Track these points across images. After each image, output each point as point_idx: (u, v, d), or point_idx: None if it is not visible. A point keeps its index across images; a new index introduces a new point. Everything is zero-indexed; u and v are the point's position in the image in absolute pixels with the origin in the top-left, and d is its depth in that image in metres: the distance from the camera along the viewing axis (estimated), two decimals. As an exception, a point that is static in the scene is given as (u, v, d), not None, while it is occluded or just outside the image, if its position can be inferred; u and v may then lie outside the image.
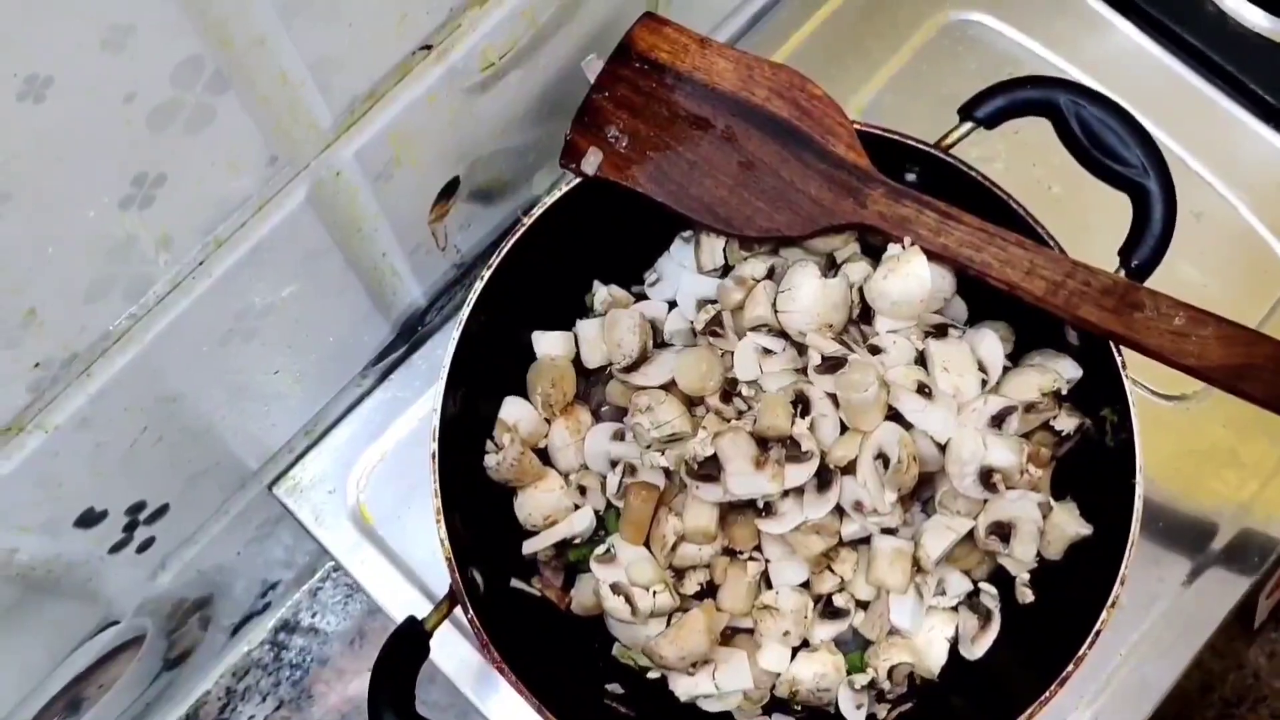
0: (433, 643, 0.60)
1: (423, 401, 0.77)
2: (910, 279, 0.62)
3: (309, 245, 0.60)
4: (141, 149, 0.46)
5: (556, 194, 0.65)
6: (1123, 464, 0.61)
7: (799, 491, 0.62)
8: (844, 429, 0.62)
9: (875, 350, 0.64)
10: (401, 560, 0.75)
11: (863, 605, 0.65)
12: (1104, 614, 0.58)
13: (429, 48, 0.57)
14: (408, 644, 0.59)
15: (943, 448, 0.61)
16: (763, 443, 0.62)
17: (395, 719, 0.56)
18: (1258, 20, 0.83)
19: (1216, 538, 0.74)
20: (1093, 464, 0.64)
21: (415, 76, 0.57)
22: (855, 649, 0.66)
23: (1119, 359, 0.62)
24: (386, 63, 0.55)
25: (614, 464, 0.66)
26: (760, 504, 0.62)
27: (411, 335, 0.77)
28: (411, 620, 0.60)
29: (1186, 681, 0.80)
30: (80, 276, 0.48)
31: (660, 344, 0.69)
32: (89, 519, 0.61)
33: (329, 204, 0.59)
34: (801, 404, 0.62)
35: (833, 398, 0.62)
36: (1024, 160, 0.80)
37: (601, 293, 0.70)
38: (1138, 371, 0.73)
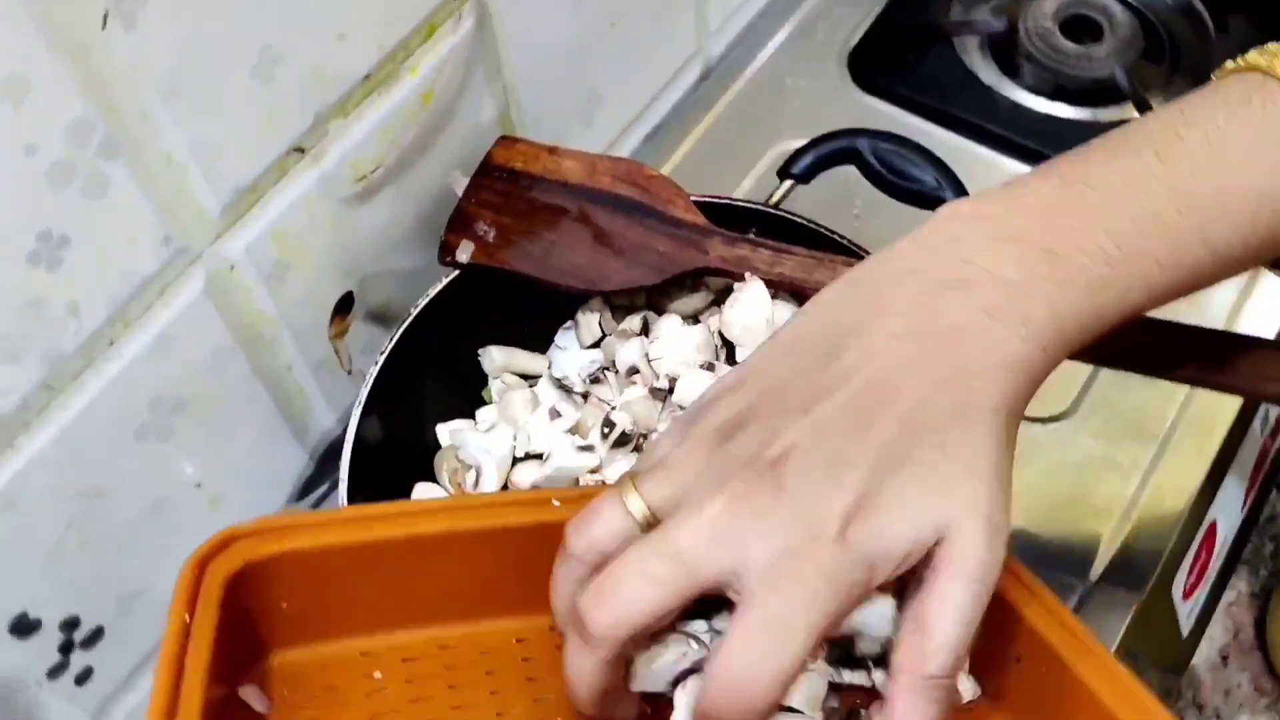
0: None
1: (348, 534, 0.81)
2: (753, 305, 0.69)
3: (213, 341, 0.67)
4: (45, 205, 0.54)
5: (437, 287, 0.73)
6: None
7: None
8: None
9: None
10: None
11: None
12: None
13: (301, 150, 0.66)
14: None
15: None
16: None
17: None
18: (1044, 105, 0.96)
19: (1111, 536, 0.78)
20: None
21: (291, 178, 0.66)
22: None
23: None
24: (263, 159, 0.64)
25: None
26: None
27: (334, 471, 0.82)
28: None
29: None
30: (-6, 333, 0.55)
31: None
32: (23, 626, 0.64)
33: (226, 299, 0.66)
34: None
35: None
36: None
37: (496, 385, 0.77)
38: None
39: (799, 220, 0.74)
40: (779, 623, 0.39)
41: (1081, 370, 0.84)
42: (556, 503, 0.49)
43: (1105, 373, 0.82)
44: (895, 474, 0.40)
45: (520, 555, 0.49)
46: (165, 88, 0.56)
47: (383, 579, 0.50)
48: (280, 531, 0.47)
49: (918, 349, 0.42)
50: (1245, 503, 0.88)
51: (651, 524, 0.42)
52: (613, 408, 0.70)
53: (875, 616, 0.43)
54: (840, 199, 0.82)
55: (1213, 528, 0.84)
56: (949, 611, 0.40)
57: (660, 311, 0.75)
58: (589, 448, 0.68)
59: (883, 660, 0.44)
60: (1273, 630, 0.87)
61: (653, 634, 0.43)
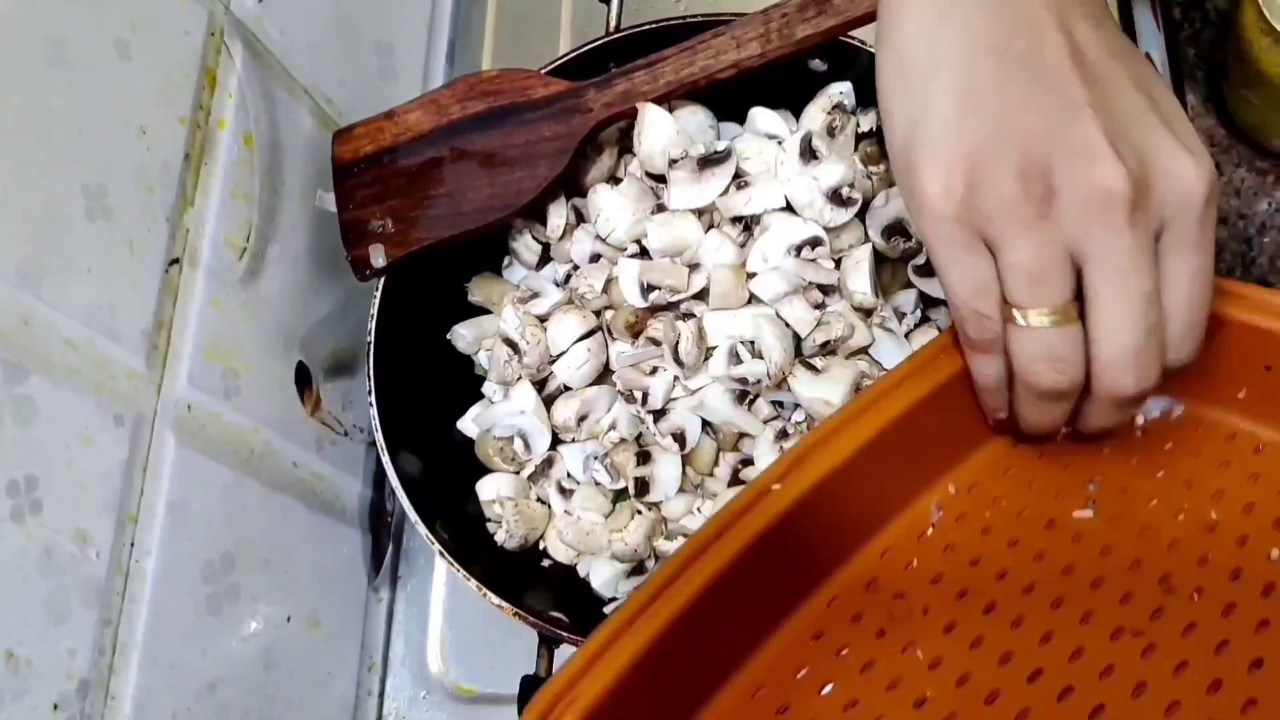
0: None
1: (438, 574, 0.79)
2: (658, 128, 0.66)
3: (217, 483, 0.63)
4: (-8, 459, 0.49)
5: (374, 306, 0.69)
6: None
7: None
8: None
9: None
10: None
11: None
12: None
13: (176, 261, 0.61)
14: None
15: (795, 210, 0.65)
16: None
17: None
18: None
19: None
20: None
21: (185, 292, 0.61)
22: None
23: (857, 43, 0.66)
24: (149, 290, 0.59)
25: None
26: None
27: (387, 529, 0.79)
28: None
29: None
30: (30, 601, 0.50)
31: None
32: (229, 842, 0.61)
33: (203, 438, 0.62)
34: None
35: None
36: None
37: (481, 356, 0.73)
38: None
39: (647, 28, 0.70)
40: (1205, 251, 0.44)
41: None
42: (777, 485, 0.45)
43: None
44: (1155, 97, 0.44)
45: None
46: (25, 279, 0.51)
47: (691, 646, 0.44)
48: (592, 670, 0.41)
49: (1045, 12, 0.44)
50: (1157, 23, 0.87)
51: (1071, 312, 0.43)
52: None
53: None
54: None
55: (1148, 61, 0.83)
56: None
57: (581, 193, 0.71)
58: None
59: None
60: (1232, 103, 0.85)
61: None
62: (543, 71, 0.69)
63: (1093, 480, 0.48)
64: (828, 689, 0.44)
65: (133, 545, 0.57)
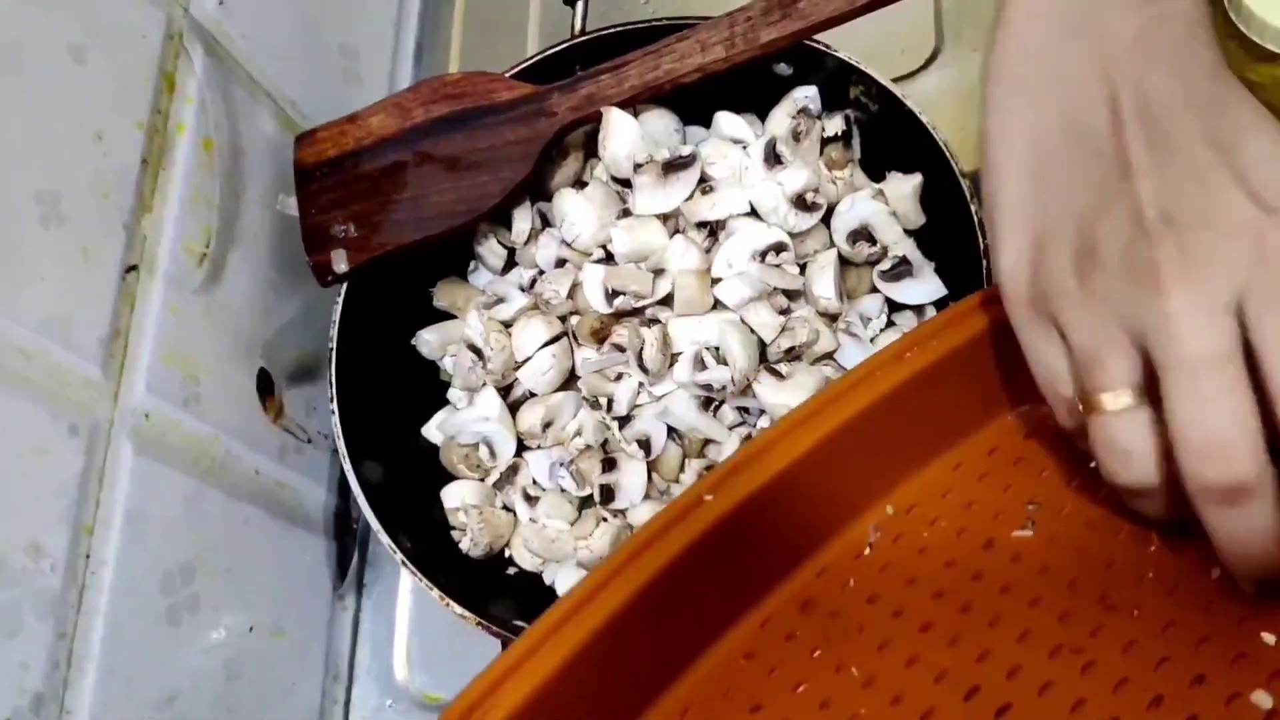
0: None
1: (404, 582, 0.78)
2: (623, 133, 0.66)
3: (177, 493, 0.62)
4: (-58, 471, 0.48)
5: (339, 302, 0.68)
6: (897, 110, 0.65)
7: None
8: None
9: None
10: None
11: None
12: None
13: (134, 268, 0.60)
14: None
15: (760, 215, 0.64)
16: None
17: None
18: None
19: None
20: (884, 137, 0.67)
21: (142, 298, 0.61)
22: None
23: (822, 47, 0.66)
24: (105, 298, 0.58)
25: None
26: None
27: (352, 536, 0.78)
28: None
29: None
30: (-20, 614, 0.49)
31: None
32: None
33: (162, 447, 0.61)
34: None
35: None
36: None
37: (447, 362, 0.73)
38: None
39: (613, 32, 0.70)
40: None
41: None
42: (709, 496, 0.44)
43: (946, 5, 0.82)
44: (1238, 146, 0.40)
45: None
46: (-28, 288, 0.50)
47: (629, 645, 0.43)
48: (501, 687, 0.40)
49: (1115, 70, 0.42)
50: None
51: (1148, 390, 0.40)
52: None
53: None
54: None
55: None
56: None
57: (547, 198, 0.71)
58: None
59: None
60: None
61: None
62: (508, 75, 0.69)
63: (1033, 501, 0.48)
64: (758, 710, 0.44)
65: (89, 557, 0.56)
